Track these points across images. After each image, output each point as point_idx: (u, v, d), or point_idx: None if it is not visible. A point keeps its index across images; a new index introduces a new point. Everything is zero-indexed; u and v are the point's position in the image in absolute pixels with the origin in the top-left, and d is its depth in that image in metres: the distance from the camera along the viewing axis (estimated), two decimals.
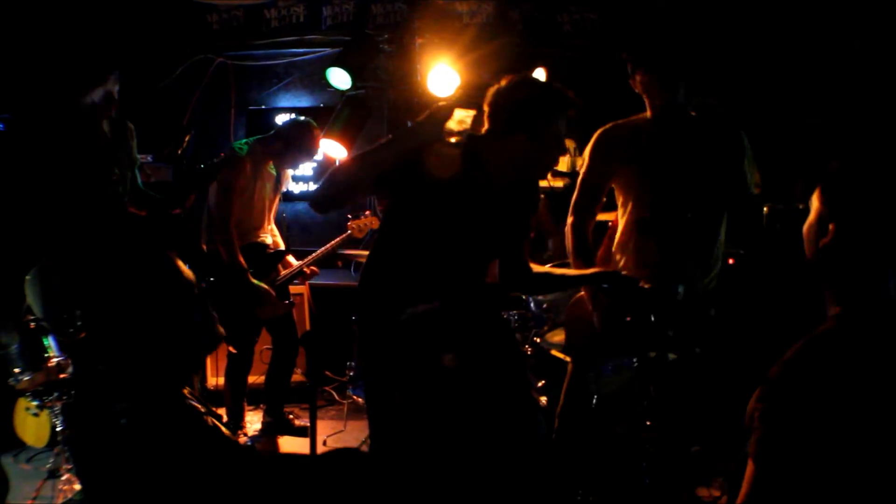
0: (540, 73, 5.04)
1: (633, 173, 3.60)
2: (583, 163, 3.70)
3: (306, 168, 7.03)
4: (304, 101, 7.11)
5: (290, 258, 5.32)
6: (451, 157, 3.04)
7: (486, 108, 3.10)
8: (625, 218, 3.69)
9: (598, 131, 3.66)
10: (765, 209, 3.92)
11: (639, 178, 3.59)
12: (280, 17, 6.89)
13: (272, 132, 5.17)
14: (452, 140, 3.11)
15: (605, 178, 3.67)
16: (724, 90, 5.30)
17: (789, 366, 1.98)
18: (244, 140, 5.08)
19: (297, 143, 5.10)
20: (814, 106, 5.53)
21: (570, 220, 3.73)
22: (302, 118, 5.28)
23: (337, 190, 3.03)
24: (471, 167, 3.06)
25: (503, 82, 3.09)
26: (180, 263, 2.22)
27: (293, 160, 5.24)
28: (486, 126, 3.10)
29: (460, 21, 6.50)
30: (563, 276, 3.48)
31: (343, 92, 5.21)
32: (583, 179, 3.71)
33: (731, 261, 4.13)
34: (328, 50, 6.77)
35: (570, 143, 6.00)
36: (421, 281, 3.06)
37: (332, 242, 5.34)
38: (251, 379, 5.42)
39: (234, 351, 5.13)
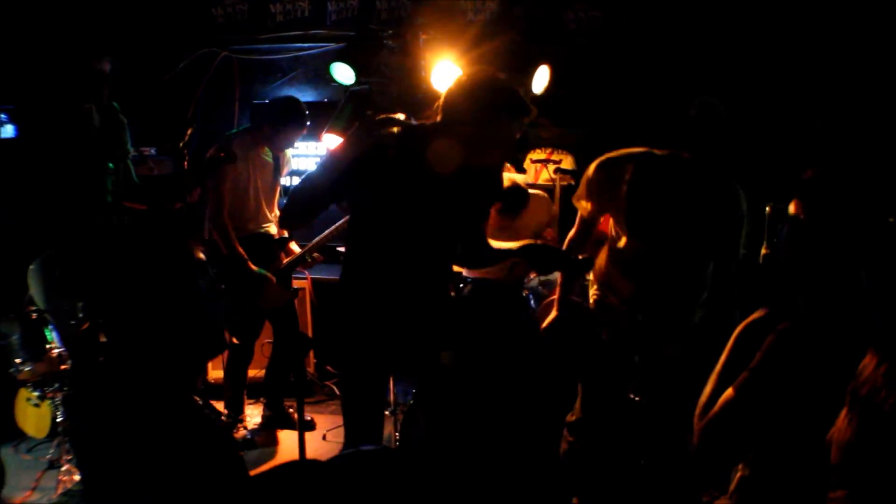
0: (544, 71, 5.04)
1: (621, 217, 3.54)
2: (579, 195, 3.64)
3: (309, 164, 7.04)
4: (308, 96, 7.11)
5: (293, 245, 5.32)
6: (398, 148, 3.09)
7: (441, 97, 3.13)
8: (609, 250, 3.71)
9: (596, 163, 3.56)
10: (767, 209, 3.91)
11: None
12: (285, 12, 6.90)
13: (258, 119, 5.17)
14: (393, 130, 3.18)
15: (600, 214, 3.64)
16: (729, 90, 5.30)
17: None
18: (234, 130, 5.09)
19: (283, 119, 5.06)
20: (818, 107, 5.53)
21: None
22: (282, 95, 5.29)
23: (297, 207, 3.15)
24: (420, 156, 3.09)
25: (463, 76, 3.15)
26: (200, 255, 2.22)
27: (286, 138, 5.16)
28: (439, 115, 3.12)
29: (464, 17, 6.51)
30: (500, 250, 3.49)
31: (347, 87, 5.22)
32: (581, 216, 3.69)
33: None
34: (332, 45, 6.77)
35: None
36: (389, 274, 3.16)
37: (332, 229, 5.31)
38: (252, 373, 5.44)
39: (236, 342, 5.14)
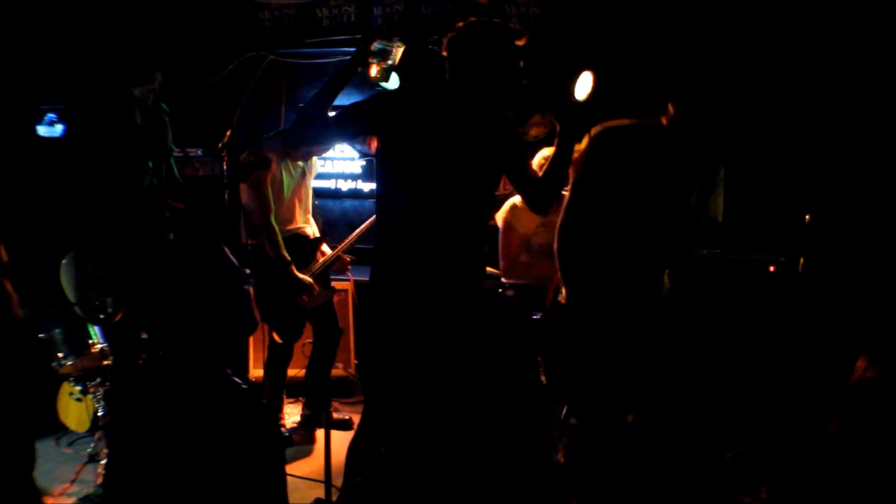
0: (587, 77, 5.01)
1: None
2: (579, 157, 3.64)
3: (354, 167, 7.06)
4: (353, 99, 7.12)
5: (325, 247, 5.36)
6: (415, 111, 3.33)
7: (444, 55, 3.35)
8: None
9: (599, 129, 3.68)
10: (807, 217, 3.86)
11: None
12: (331, 17, 6.93)
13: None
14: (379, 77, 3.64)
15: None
16: (772, 99, 5.24)
17: None
18: (266, 135, 5.16)
19: None
20: (863, 116, 5.44)
21: (559, 218, 3.73)
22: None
23: (301, 129, 3.82)
24: (440, 114, 3.29)
25: (453, 32, 3.35)
26: (226, 250, 2.27)
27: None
28: (447, 72, 3.34)
29: (509, 23, 6.48)
30: (556, 158, 3.48)
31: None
32: (576, 178, 3.68)
33: (772, 268, 4.09)
34: None
35: None
36: (418, 246, 3.28)
37: (361, 228, 5.33)
38: (292, 372, 5.49)
39: (280, 341, 5.21)
